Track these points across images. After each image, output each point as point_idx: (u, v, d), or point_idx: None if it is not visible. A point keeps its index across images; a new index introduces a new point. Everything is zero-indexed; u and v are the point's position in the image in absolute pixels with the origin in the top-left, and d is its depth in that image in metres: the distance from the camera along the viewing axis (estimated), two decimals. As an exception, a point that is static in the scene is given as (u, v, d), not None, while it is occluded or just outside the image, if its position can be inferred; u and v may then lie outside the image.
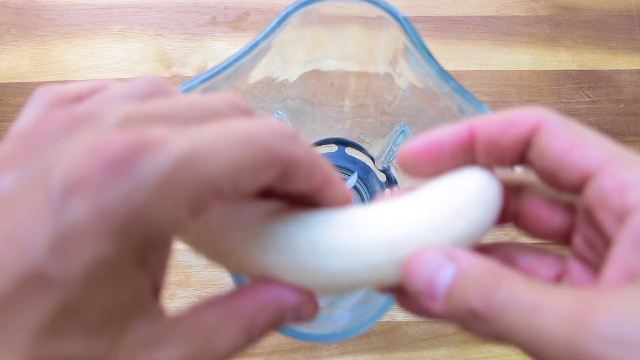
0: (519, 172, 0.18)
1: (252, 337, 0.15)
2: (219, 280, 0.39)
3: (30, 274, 0.11)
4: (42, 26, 0.44)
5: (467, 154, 0.17)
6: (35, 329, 0.11)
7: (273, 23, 0.25)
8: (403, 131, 0.33)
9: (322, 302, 0.31)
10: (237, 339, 0.14)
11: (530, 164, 0.16)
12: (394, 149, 0.35)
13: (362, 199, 0.38)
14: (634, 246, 0.14)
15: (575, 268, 0.17)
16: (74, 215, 0.11)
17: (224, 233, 0.15)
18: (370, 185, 0.38)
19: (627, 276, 0.14)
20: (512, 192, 0.18)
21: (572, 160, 0.15)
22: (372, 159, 0.38)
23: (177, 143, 0.12)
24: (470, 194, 0.16)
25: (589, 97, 0.42)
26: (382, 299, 0.24)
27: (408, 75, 0.27)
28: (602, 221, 0.15)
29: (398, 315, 0.38)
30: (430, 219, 0.16)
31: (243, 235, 0.15)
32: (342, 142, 0.38)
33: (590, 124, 0.42)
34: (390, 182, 0.38)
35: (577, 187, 0.15)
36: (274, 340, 0.38)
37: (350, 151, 0.39)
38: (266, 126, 0.13)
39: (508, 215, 0.18)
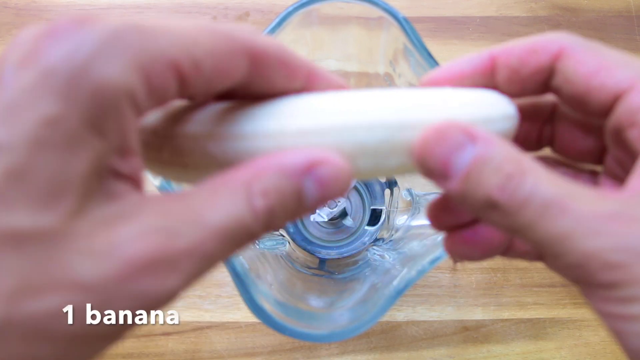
0: (550, 98, 0.18)
1: (254, 205, 0.12)
2: (220, 279, 0.39)
3: None
4: (43, 26, 0.44)
5: (488, 84, 0.17)
6: None
7: (273, 23, 0.25)
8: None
9: (322, 302, 0.31)
10: (233, 206, 0.12)
11: (556, 91, 0.16)
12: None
13: (362, 199, 0.39)
14: None
15: (607, 184, 0.17)
16: (20, 83, 0.11)
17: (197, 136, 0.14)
18: (370, 184, 0.39)
19: None
20: (545, 117, 0.18)
21: (600, 82, 0.15)
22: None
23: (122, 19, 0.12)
24: (484, 95, 0.15)
25: (588, 97, 0.42)
26: (382, 299, 0.24)
27: (408, 75, 0.27)
28: (631, 139, 0.14)
29: (398, 315, 0.38)
30: (441, 105, 0.14)
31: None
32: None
33: (590, 124, 0.42)
34: (390, 181, 0.38)
35: (607, 109, 0.15)
36: (274, 339, 0.38)
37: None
38: (224, 24, 0.13)
39: (543, 140, 0.18)
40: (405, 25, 0.24)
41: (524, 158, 0.13)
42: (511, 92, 0.16)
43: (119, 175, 0.12)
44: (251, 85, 0.14)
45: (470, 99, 0.15)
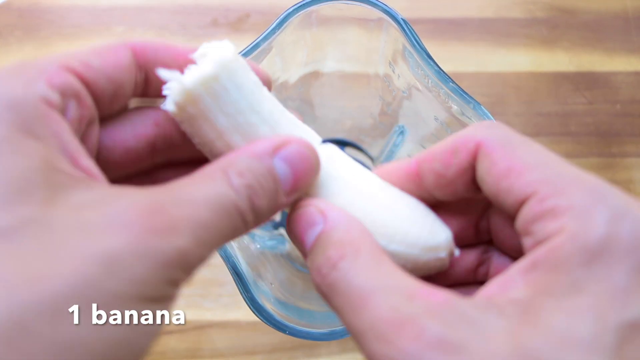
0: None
1: (233, 183, 0.13)
2: (221, 278, 0.39)
3: None
4: (45, 28, 0.44)
5: (419, 189, 0.17)
6: None
7: (273, 25, 0.25)
8: (402, 132, 0.34)
9: (323, 301, 0.31)
10: (214, 186, 0.13)
11: (480, 188, 0.16)
12: (393, 149, 0.35)
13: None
14: (521, 272, 0.13)
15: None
16: None
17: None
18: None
19: (489, 296, 0.13)
20: (479, 212, 0.17)
21: (507, 186, 0.14)
22: (372, 159, 0.38)
23: None
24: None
25: (586, 98, 0.43)
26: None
27: (407, 76, 0.28)
28: (525, 246, 0.14)
29: (397, 313, 0.38)
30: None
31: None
32: (341, 143, 0.39)
33: (588, 125, 0.42)
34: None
35: (516, 212, 0.14)
36: (274, 338, 0.38)
37: (350, 151, 0.39)
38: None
39: (482, 235, 0.18)
40: (404, 26, 0.24)
41: (362, 243, 0.14)
42: (443, 197, 0.16)
43: (77, 171, 0.13)
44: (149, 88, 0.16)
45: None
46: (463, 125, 0.25)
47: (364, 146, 0.38)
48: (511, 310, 0.12)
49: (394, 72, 0.29)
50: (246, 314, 0.39)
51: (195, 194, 0.13)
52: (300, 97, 0.33)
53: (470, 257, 0.18)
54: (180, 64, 0.16)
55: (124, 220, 0.11)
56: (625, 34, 0.44)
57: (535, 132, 0.41)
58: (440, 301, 0.12)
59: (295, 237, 0.15)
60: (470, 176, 0.16)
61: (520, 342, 0.12)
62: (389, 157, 0.36)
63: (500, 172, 0.14)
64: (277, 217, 0.38)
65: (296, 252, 0.38)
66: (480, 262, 0.18)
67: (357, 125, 0.37)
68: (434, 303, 0.12)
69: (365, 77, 0.32)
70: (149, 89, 0.16)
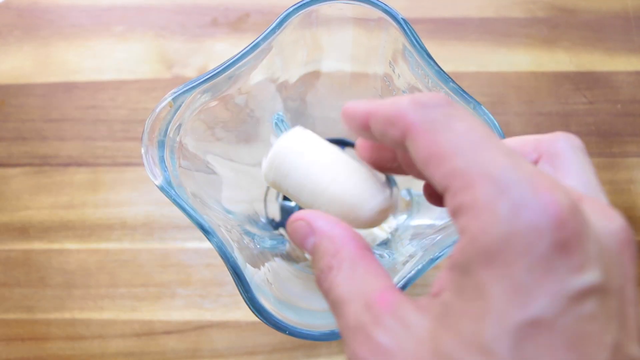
0: None
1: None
2: (220, 279, 0.39)
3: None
4: (45, 27, 0.44)
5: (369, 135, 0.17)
6: None
7: (273, 24, 0.25)
8: (402, 131, 0.34)
9: (323, 301, 0.31)
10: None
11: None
12: (393, 149, 0.35)
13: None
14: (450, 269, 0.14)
15: None
16: None
17: None
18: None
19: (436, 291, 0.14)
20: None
21: (430, 175, 0.14)
22: (372, 159, 0.38)
23: None
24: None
25: (587, 98, 0.43)
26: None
27: (407, 76, 0.28)
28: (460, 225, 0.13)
29: (397, 314, 0.38)
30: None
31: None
32: (342, 142, 0.39)
33: (588, 125, 0.42)
34: (390, 181, 0.38)
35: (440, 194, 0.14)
36: (274, 338, 0.38)
37: (350, 151, 0.39)
38: None
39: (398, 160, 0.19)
40: (404, 26, 0.24)
41: (344, 251, 0.16)
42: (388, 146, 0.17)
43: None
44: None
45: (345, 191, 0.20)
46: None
47: (364, 146, 0.38)
48: (437, 312, 0.13)
49: (394, 71, 0.29)
50: (246, 314, 0.39)
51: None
52: (300, 97, 0.33)
53: None
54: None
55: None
56: (625, 34, 0.44)
57: (536, 132, 0.41)
58: (388, 308, 0.14)
59: (299, 247, 0.17)
60: (404, 147, 0.15)
61: (437, 346, 0.12)
62: (389, 157, 0.36)
63: (423, 159, 0.14)
64: (277, 217, 0.38)
65: (296, 252, 0.38)
66: None
67: (357, 125, 0.37)
68: (382, 311, 0.14)
69: (365, 76, 0.32)
70: None
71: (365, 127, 0.17)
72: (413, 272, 0.24)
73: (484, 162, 0.13)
